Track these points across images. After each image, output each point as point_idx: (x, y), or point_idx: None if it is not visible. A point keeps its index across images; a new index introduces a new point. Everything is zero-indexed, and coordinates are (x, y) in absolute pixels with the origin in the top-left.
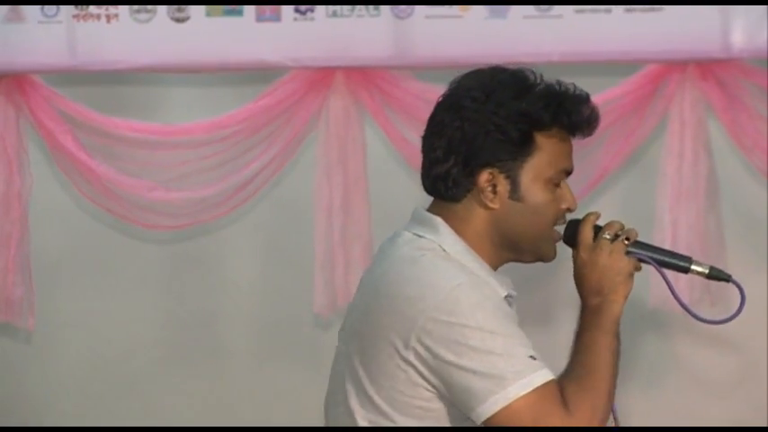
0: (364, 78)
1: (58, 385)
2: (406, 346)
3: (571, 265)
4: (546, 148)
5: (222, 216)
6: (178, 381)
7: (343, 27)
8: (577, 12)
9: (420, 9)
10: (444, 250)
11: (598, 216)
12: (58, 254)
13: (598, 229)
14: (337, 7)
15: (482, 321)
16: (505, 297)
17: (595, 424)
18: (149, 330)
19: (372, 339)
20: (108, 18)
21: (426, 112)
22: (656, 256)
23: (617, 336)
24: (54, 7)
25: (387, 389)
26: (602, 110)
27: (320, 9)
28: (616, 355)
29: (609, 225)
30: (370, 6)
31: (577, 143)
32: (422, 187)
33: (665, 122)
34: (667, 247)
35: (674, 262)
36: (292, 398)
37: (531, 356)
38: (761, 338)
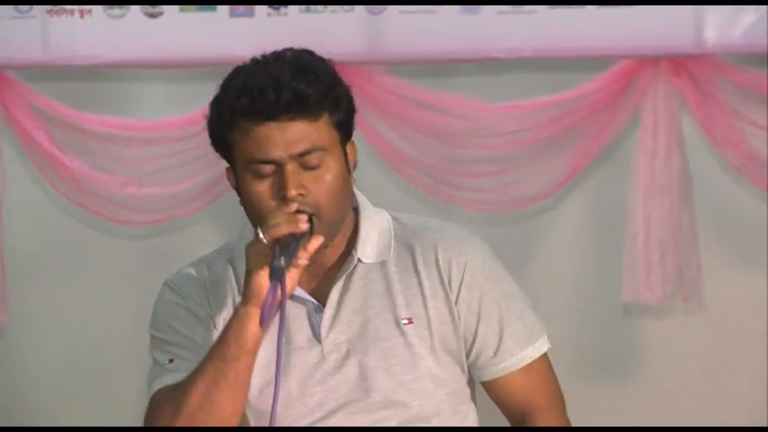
0: None
1: (32, 380)
2: None
3: (545, 263)
4: (235, 144)
5: (195, 212)
6: None
7: (317, 22)
8: (550, 8)
9: (393, 5)
10: (231, 242)
11: (286, 211)
12: (31, 249)
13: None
14: (311, 4)
15: (152, 322)
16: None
17: (158, 421)
18: (123, 326)
19: None
20: (81, 14)
21: (400, 107)
22: (280, 251)
23: (229, 339)
24: (27, 4)
25: None
26: (575, 105)
27: (294, 5)
28: (219, 359)
29: (272, 217)
30: (344, 3)
31: (549, 138)
32: (395, 182)
33: (638, 118)
34: (640, 242)
35: (274, 255)
36: None
37: (167, 360)
38: (732, 333)
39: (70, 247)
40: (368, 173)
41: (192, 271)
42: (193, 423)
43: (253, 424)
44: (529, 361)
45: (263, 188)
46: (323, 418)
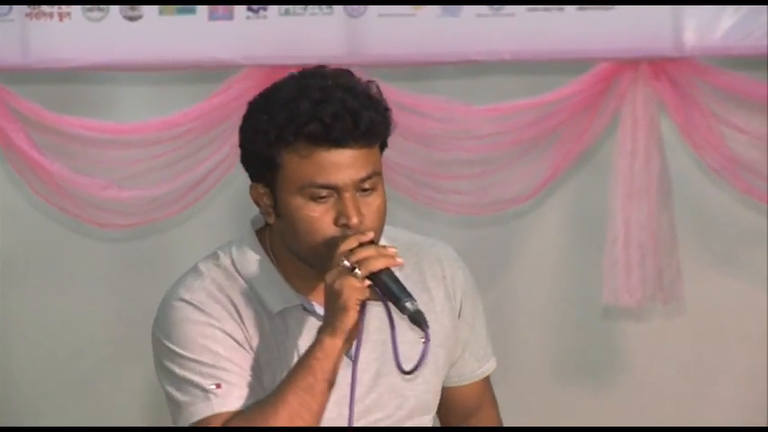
0: None
1: (10, 384)
2: None
3: (525, 265)
4: (288, 165)
5: (175, 215)
6: (130, 379)
7: (296, 25)
8: (530, 10)
9: (373, 8)
10: (218, 262)
11: (360, 239)
12: (10, 252)
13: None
14: (290, 6)
15: (175, 342)
16: (282, 312)
17: None
18: (102, 329)
19: None
20: (60, 16)
21: None
22: (385, 289)
23: (315, 371)
24: (6, 6)
25: None
26: (555, 108)
27: (273, 8)
28: (305, 391)
29: (356, 252)
30: (323, 5)
31: (529, 141)
32: None
33: (618, 121)
34: (620, 245)
35: (398, 297)
36: None
37: (214, 385)
38: (712, 335)
39: (50, 250)
40: None
41: (207, 286)
42: None
43: None
44: (490, 371)
45: (320, 213)
46: None
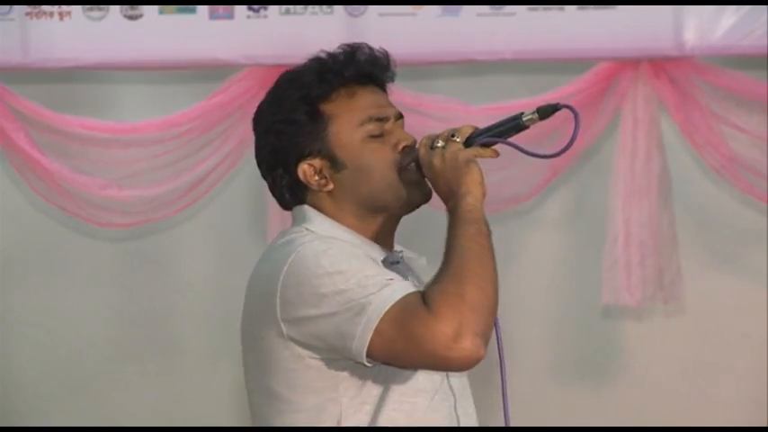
0: None
1: (11, 383)
2: (278, 322)
3: (525, 264)
4: (338, 113)
5: (175, 214)
6: (130, 378)
7: (297, 25)
8: (530, 10)
9: (373, 7)
10: (311, 231)
11: (432, 137)
12: (9, 251)
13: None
14: (290, 5)
15: (328, 267)
16: (385, 261)
17: (464, 320)
18: (102, 328)
19: (256, 332)
20: (61, 16)
21: None
22: (491, 133)
23: (480, 221)
24: (6, 5)
25: (281, 373)
26: None
27: (273, 7)
28: (483, 239)
29: (440, 135)
30: (324, 5)
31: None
32: None
33: (618, 120)
34: (620, 244)
35: (509, 126)
36: (245, 396)
37: (388, 279)
38: (712, 334)
39: (49, 249)
40: None
41: (320, 240)
42: (483, 296)
43: (422, 372)
44: None
45: (380, 146)
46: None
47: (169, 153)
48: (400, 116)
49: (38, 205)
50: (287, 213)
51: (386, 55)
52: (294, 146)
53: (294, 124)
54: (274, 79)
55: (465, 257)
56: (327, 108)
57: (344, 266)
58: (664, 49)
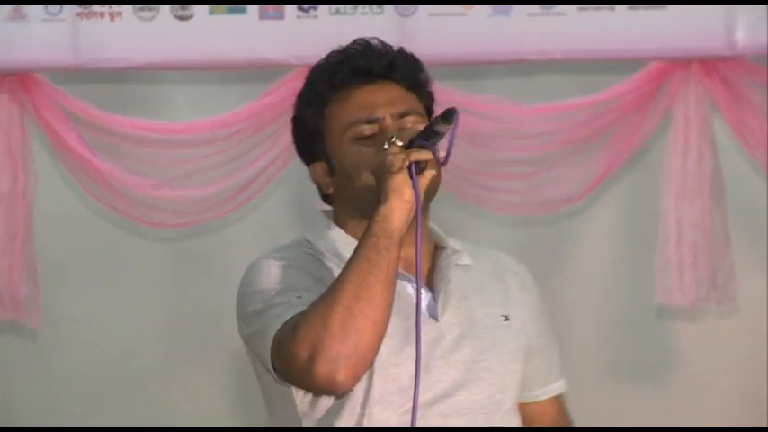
0: None
1: (64, 383)
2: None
3: (577, 265)
4: (332, 115)
5: (226, 214)
6: (183, 378)
7: (347, 25)
8: (581, 9)
9: (423, 7)
10: (307, 240)
11: (389, 136)
12: (62, 252)
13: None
14: (340, 5)
15: (256, 284)
16: None
17: (319, 343)
18: (154, 328)
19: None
20: (111, 16)
21: None
22: (422, 137)
23: (381, 234)
24: (57, 6)
25: (262, 388)
26: (607, 107)
27: (323, 7)
28: (376, 254)
29: (392, 135)
30: (374, 5)
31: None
32: None
33: (669, 120)
34: (672, 244)
35: (429, 132)
36: None
37: (297, 297)
38: (765, 335)
39: (102, 249)
40: None
41: (288, 246)
42: (351, 317)
43: (373, 378)
44: (563, 388)
45: (365, 147)
46: (446, 395)
47: (220, 153)
48: (406, 114)
49: (90, 206)
50: None
51: (383, 47)
52: (306, 147)
53: (304, 125)
54: None
55: (347, 274)
56: (327, 110)
57: (266, 283)
58: (715, 49)
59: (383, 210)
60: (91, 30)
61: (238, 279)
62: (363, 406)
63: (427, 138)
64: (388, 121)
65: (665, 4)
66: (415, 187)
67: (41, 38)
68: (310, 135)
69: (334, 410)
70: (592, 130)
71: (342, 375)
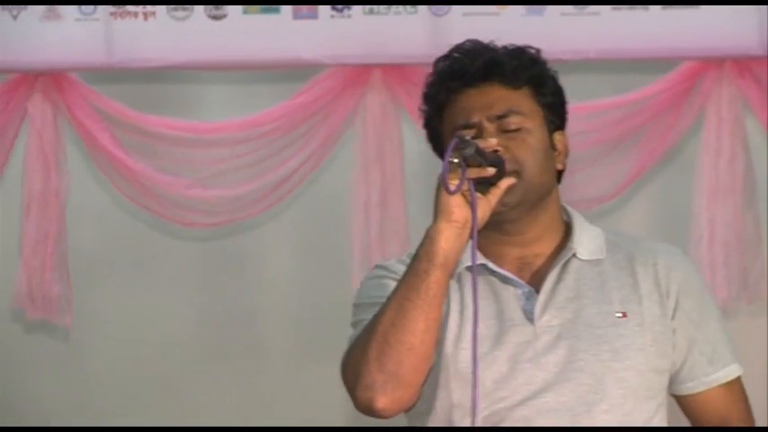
0: (401, 76)
1: (96, 383)
2: None
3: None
4: (445, 120)
5: (258, 214)
6: (215, 379)
7: (380, 25)
8: (614, 9)
9: (457, 7)
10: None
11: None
12: (95, 252)
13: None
14: (374, 5)
15: (357, 296)
16: (469, 268)
17: (358, 371)
18: (186, 328)
19: None
20: (145, 16)
21: None
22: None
23: (421, 257)
24: (91, 5)
25: None
26: (640, 107)
27: (357, 7)
28: (414, 278)
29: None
30: (408, 5)
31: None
32: None
33: (702, 120)
34: (704, 244)
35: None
36: (330, 396)
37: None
38: None
39: (134, 249)
40: (432, 175)
41: (402, 257)
42: (386, 345)
43: (452, 384)
44: (731, 377)
45: None
46: (531, 397)
47: (253, 153)
48: (505, 115)
49: (122, 205)
50: (370, 213)
51: (481, 48)
52: (436, 150)
53: (429, 127)
54: (357, 79)
55: (389, 299)
56: (444, 116)
57: (361, 298)
58: (748, 49)
59: (429, 231)
60: (124, 29)
61: (270, 279)
62: (446, 411)
63: (481, 153)
64: (485, 124)
65: (699, 3)
66: (472, 204)
67: (75, 37)
68: (436, 139)
69: (424, 413)
70: (624, 129)
71: (380, 403)
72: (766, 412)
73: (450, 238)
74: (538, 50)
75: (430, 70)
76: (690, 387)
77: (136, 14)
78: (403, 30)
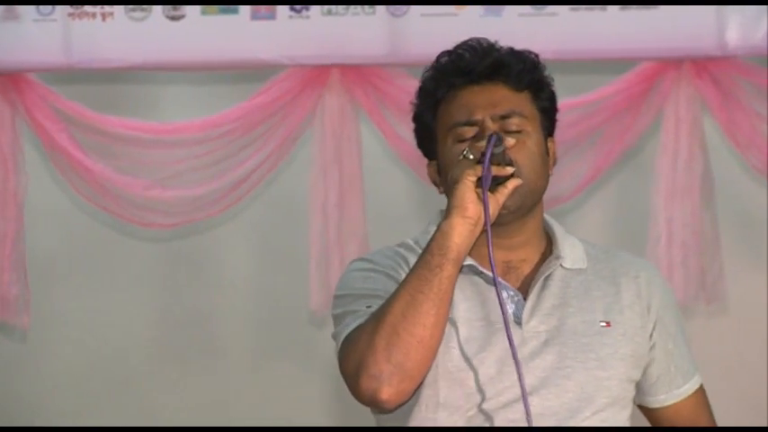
0: (359, 76)
1: (54, 384)
2: None
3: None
4: (441, 116)
5: (217, 214)
6: (173, 379)
7: (339, 25)
8: (572, 10)
9: (415, 7)
10: (415, 238)
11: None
12: (53, 252)
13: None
14: (332, 6)
15: (340, 287)
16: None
17: (363, 360)
18: (145, 328)
19: None
20: (103, 16)
21: None
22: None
23: (433, 251)
24: (49, 6)
25: None
26: (597, 107)
27: (315, 7)
28: (426, 271)
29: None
30: (366, 5)
31: (571, 140)
32: (417, 185)
33: (660, 120)
34: (662, 244)
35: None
36: (287, 396)
37: (367, 307)
38: (755, 335)
39: (93, 249)
40: (390, 175)
41: (382, 250)
42: (396, 336)
43: (440, 383)
44: (697, 386)
45: (463, 148)
46: (517, 400)
47: (211, 153)
48: (509, 115)
49: (81, 206)
50: (329, 213)
51: (489, 47)
52: (422, 145)
53: (419, 123)
54: (316, 80)
55: (398, 291)
56: (437, 110)
57: (347, 289)
58: (706, 49)
59: (443, 225)
60: (82, 30)
61: (228, 279)
62: (431, 410)
63: (494, 153)
64: (488, 122)
65: (657, 4)
66: (484, 202)
67: (33, 38)
68: (425, 134)
69: (407, 412)
70: (582, 130)
71: (385, 393)
72: (766, 412)
73: (463, 233)
74: (536, 55)
75: (391, 71)
76: (662, 400)
77: (94, 15)
78: (361, 30)
